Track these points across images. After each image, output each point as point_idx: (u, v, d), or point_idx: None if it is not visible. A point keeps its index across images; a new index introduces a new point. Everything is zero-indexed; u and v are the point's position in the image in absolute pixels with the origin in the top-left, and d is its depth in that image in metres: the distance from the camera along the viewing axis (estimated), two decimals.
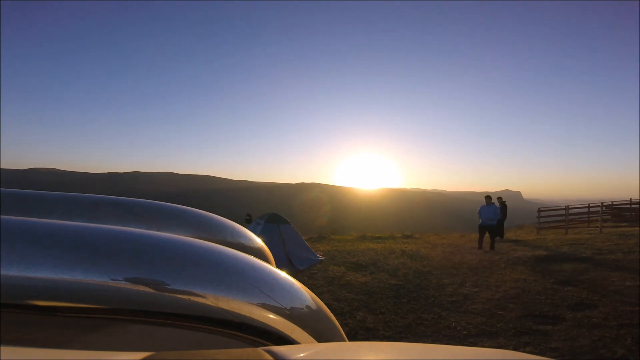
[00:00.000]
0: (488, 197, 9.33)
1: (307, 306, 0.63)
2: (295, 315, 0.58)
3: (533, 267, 6.63)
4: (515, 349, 3.41)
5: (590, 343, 3.41)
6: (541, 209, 14.32)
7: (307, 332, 0.59)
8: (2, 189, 0.75)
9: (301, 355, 0.45)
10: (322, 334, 0.63)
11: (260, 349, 0.43)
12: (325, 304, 0.70)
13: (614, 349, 3.26)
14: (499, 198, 11.50)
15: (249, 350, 0.44)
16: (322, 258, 7.77)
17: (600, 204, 13.86)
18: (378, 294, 5.40)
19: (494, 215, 9.11)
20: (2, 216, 0.46)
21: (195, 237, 0.65)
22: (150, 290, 0.45)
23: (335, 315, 0.72)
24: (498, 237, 10.04)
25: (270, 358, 0.40)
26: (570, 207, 14.24)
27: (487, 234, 9.08)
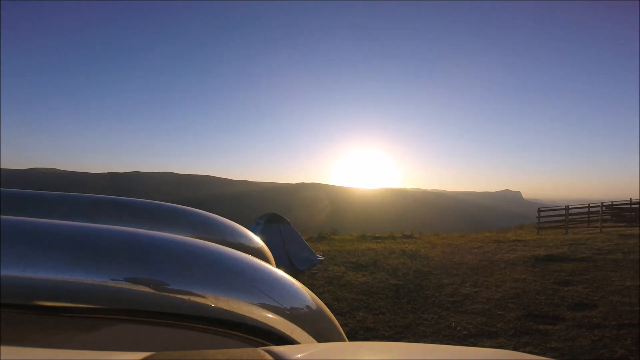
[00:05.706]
0: None
1: (307, 306, 0.63)
2: (295, 315, 0.58)
3: (533, 267, 6.62)
4: (515, 349, 3.41)
5: (590, 343, 3.41)
6: (541, 209, 14.32)
7: (307, 332, 0.59)
8: (2, 189, 0.75)
9: (301, 355, 0.45)
10: (322, 334, 0.63)
11: (260, 349, 0.43)
12: (325, 304, 0.70)
13: (614, 349, 3.25)
14: None
15: (249, 350, 0.43)
16: (322, 258, 7.76)
17: (600, 204, 13.85)
18: (378, 293, 5.40)
19: None
20: (2, 216, 0.45)
21: (195, 237, 0.65)
22: (150, 290, 0.45)
23: (335, 315, 0.72)
24: None
25: (270, 358, 0.40)
26: (570, 207, 14.23)
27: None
